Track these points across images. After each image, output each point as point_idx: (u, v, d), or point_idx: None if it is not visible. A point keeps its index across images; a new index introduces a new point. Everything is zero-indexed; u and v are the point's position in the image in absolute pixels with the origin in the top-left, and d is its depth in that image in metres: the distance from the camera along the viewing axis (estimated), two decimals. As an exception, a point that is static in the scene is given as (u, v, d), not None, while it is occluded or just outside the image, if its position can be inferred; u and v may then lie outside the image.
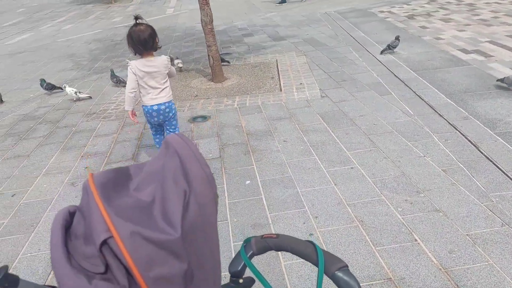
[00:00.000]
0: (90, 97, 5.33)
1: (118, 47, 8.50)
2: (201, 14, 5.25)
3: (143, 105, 3.06)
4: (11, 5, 18.08)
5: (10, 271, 2.37)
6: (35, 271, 2.36)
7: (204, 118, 4.37)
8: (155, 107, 3.00)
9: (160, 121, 3.11)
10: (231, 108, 4.54)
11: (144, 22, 2.80)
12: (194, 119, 4.35)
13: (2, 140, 4.26)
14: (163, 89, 3.00)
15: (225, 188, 3.02)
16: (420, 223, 2.44)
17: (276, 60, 6.17)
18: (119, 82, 5.67)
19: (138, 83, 2.91)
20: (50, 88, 5.60)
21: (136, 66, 2.87)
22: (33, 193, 3.21)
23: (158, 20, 11.40)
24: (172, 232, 0.51)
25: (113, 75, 5.78)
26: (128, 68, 2.93)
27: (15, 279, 0.66)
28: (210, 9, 5.24)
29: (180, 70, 6.06)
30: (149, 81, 2.91)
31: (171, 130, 3.18)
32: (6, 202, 3.10)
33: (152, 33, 2.79)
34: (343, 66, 5.53)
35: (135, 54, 2.88)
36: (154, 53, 2.90)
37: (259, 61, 6.28)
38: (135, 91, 2.96)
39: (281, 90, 4.92)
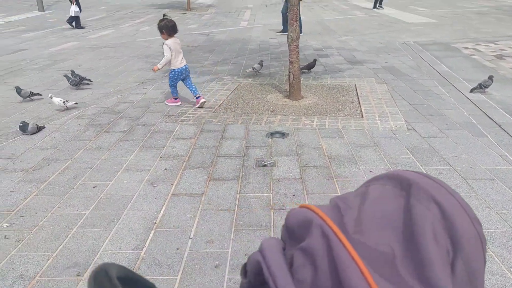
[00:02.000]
0: (77, 103, 5.09)
1: (193, 52, 8.67)
2: (288, 30, 5.19)
3: (175, 69, 5.05)
4: (95, 2, 19.19)
5: (91, 267, 2.33)
6: (116, 270, 2.30)
7: (282, 134, 4.25)
8: (183, 67, 5.10)
9: (183, 77, 5.14)
10: (310, 128, 4.40)
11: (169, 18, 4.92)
12: (272, 135, 4.25)
13: (84, 130, 4.36)
14: (183, 57, 5.09)
15: (309, 212, 2.86)
16: None
17: (355, 85, 5.98)
18: (78, 83, 5.83)
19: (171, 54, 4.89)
20: (76, 83, 5.81)
21: (171, 43, 4.92)
22: (113, 187, 3.21)
23: (232, 31, 11.59)
24: None
25: (74, 75, 5.87)
26: (165, 45, 4.90)
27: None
28: (298, 26, 5.17)
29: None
30: (177, 53, 4.98)
31: (189, 82, 5.22)
32: (88, 193, 3.12)
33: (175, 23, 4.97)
34: (429, 99, 5.24)
35: (168, 37, 4.92)
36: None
37: (336, 84, 6.12)
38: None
39: (362, 116, 4.72)
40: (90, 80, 6.08)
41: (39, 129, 4.29)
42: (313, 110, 4.98)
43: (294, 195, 3.07)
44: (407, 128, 4.34)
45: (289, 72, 5.31)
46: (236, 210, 2.89)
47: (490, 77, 5.41)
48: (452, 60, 7.41)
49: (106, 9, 16.91)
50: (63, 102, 4.90)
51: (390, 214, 0.42)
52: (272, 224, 2.72)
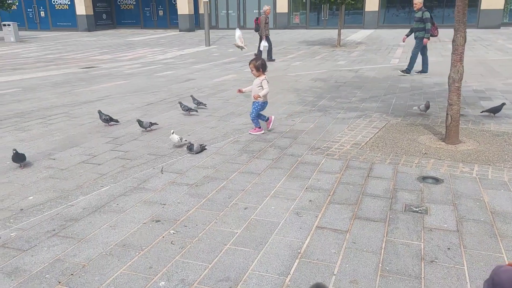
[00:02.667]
0: (186, 140, 5.09)
1: (341, 88, 8.78)
2: (451, 70, 4.90)
3: (265, 101, 5.60)
4: (252, 40, 21.01)
5: (241, 284, 2.51)
6: (263, 291, 2.43)
7: (436, 180, 3.97)
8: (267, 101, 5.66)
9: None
10: (468, 177, 4.02)
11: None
12: (424, 179, 4.01)
13: (239, 155, 4.76)
14: None
15: (466, 271, 2.59)
16: None
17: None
18: (190, 110, 6.69)
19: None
20: (188, 109, 6.65)
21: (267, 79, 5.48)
22: (262, 211, 3.41)
23: (381, 68, 11.41)
24: None
25: (182, 104, 6.70)
26: (265, 81, 5.42)
27: None
28: (462, 66, 4.85)
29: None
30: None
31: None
32: (240, 213, 3.37)
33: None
34: None
35: (262, 74, 5.44)
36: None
37: (501, 130, 5.50)
38: None
39: (535, 170, 4.13)
40: (205, 105, 7.07)
41: (202, 149, 4.84)
42: (472, 157, 4.55)
43: (449, 248, 2.83)
44: None
45: (447, 114, 4.98)
46: (382, 254, 2.79)
47: None
48: None
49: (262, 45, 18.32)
50: (180, 139, 4.98)
51: None
52: (422, 276, 2.55)
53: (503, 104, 6.15)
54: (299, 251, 2.83)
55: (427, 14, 9.87)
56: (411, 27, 10.53)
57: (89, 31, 29.72)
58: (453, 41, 4.84)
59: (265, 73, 5.49)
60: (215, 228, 3.13)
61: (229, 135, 5.54)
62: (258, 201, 3.59)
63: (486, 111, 6.17)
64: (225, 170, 4.29)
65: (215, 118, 6.46)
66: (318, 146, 5.05)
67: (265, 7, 13.33)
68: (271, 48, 13.32)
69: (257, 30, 13.43)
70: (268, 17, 13.25)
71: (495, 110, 6.10)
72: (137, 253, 2.80)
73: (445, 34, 16.34)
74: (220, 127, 5.95)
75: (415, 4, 10.04)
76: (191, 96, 7.19)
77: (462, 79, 4.91)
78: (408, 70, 10.25)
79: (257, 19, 13.65)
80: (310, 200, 3.61)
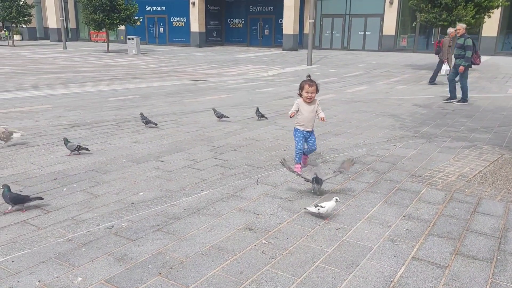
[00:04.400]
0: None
1: (448, 116, 8.24)
2: None
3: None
4: (355, 60, 20.76)
5: (328, 301, 2.48)
6: (350, 314, 2.38)
7: (557, 225, 3.53)
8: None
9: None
10: None
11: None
12: (541, 222, 3.58)
13: (334, 175, 4.72)
14: None
15: None
16: None
17: None
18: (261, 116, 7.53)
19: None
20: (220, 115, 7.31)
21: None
22: (354, 233, 3.34)
23: (497, 98, 10.48)
24: None
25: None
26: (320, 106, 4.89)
27: None
28: None
29: None
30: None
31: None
32: (331, 233, 3.34)
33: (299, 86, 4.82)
34: None
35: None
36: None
37: None
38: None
39: None
40: (266, 118, 7.65)
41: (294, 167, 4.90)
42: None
43: None
44: None
45: None
46: (486, 296, 2.55)
47: None
48: None
49: (364, 67, 18.02)
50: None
51: None
52: (534, 328, 2.28)
53: None
54: (391, 279, 2.72)
55: (469, 42, 9.34)
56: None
57: (200, 46, 32.01)
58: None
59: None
60: (305, 244, 3.15)
61: (324, 154, 5.53)
62: (352, 223, 3.52)
63: None
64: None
65: (312, 136, 6.49)
66: (420, 174, 4.80)
67: (450, 30, 13.16)
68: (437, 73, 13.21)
69: (437, 53, 13.42)
70: (451, 40, 13.02)
71: None
72: (230, 257, 2.93)
73: None
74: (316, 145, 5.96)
75: (458, 30, 9.61)
76: (257, 107, 7.81)
77: None
78: (464, 99, 9.81)
79: (439, 41, 13.59)
80: (407, 229, 3.44)
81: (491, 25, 23.74)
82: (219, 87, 12.15)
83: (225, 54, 25.46)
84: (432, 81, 13.02)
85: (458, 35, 9.73)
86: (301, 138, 4.80)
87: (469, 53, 9.42)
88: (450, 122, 7.69)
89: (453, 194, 4.18)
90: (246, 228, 3.38)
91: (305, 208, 3.70)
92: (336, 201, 3.58)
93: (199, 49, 30.07)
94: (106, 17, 24.81)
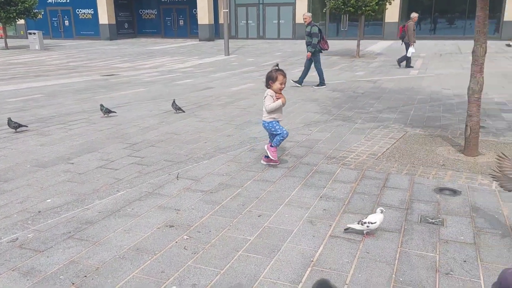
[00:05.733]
0: None
1: (359, 99, 8.73)
2: (470, 81, 4.83)
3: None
4: (271, 49, 21.15)
5: (252, 289, 2.49)
6: (273, 298, 2.42)
7: (454, 192, 3.90)
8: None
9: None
10: (487, 190, 3.94)
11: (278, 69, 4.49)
12: (441, 191, 3.94)
13: (254, 163, 4.77)
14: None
15: (482, 285, 2.53)
16: None
17: (549, 146, 5.15)
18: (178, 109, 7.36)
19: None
20: (107, 112, 7.13)
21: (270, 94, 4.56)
22: (275, 219, 3.40)
23: (401, 79, 11.32)
24: None
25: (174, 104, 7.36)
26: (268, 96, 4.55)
27: None
28: (482, 77, 4.78)
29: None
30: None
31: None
32: (253, 220, 3.37)
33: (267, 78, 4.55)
34: None
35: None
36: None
37: (524, 143, 5.36)
38: None
39: (558, 184, 4.01)
40: (183, 111, 7.47)
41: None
42: (492, 170, 4.45)
43: (465, 261, 2.77)
44: None
45: (466, 126, 4.90)
46: (396, 264, 2.74)
47: None
48: None
49: (280, 55, 18.43)
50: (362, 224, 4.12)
51: None
52: (437, 288, 2.50)
53: None
54: (311, 259, 2.81)
55: (315, 29, 10.07)
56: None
57: (111, 39, 30.41)
58: (473, 52, 4.78)
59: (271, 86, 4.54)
60: (228, 235, 3.14)
61: (245, 143, 5.56)
62: (272, 209, 3.58)
63: None
64: (240, 178, 4.30)
65: (232, 126, 6.50)
66: (334, 155, 5.02)
67: (413, 14, 13.67)
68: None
69: (402, 37, 13.86)
70: (415, 25, 13.61)
71: None
72: (150, 257, 2.82)
73: (467, 45, 16.11)
74: (236, 135, 5.98)
75: (305, 19, 10.29)
76: (173, 100, 7.61)
77: (482, 90, 4.83)
78: (322, 83, 10.36)
79: (403, 26, 14.05)
80: (324, 209, 3.58)
81: (392, 12, 25.55)
82: (134, 81, 11.65)
83: (138, 47, 24.48)
84: (408, 64, 13.75)
85: (306, 23, 10.30)
86: (281, 126, 4.65)
87: (315, 40, 10.06)
88: (361, 104, 8.15)
89: (364, 172, 4.44)
90: (167, 226, 3.28)
91: (347, 228, 3.16)
92: (382, 211, 3.14)
93: (110, 42, 28.57)
94: (1, 10, 22.49)
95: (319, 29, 10.21)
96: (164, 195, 3.87)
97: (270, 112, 4.57)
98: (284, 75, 4.49)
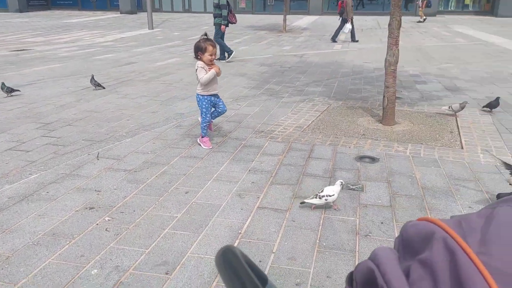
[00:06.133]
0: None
1: (285, 73, 8.84)
2: (387, 54, 5.07)
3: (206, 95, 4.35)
4: (197, 23, 20.59)
5: (179, 267, 2.45)
6: (201, 273, 2.40)
7: (373, 159, 4.12)
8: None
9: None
10: (402, 155, 4.21)
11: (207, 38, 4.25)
12: (361, 159, 4.14)
13: (181, 139, 4.65)
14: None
15: (397, 243, 2.71)
16: None
17: (455, 114, 5.61)
18: (98, 85, 6.93)
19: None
20: (10, 91, 6.50)
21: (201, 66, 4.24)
22: (203, 194, 3.36)
23: (326, 54, 11.62)
24: None
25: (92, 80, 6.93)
26: (199, 67, 4.21)
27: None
28: (398, 50, 5.02)
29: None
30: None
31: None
32: (181, 197, 3.30)
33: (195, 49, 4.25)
34: (542, 135, 4.72)
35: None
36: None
37: (434, 112, 5.80)
38: None
39: (462, 148, 4.40)
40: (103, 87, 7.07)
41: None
42: (407, 137, 4.76)
43: (382, 222, 2.94)
44: (515, 164, 3.94)
45: (384, 97, 5.16)
46: (320, 230, 2.85)
47: None
48: None
49: (207, 29, 18.01)
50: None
51: None
52: (357, 249, 2.63)
53: (498, 98, 5.67)
54: (239, 231, 2.82)
55: (223, 1, 9.95)
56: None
57: (21, 11, 27.66)
58: (389, 25, 5.00)
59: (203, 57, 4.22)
60: (153, 213, 3.04)
61: (171, 120, 5.40)
62: (200, 185, 3.53)
63: (485, 106, 5.73)
64: (166, 155, 4.17)
65: (156, 102, 6.26)
66: (262, 129, 5.05)
67: None
68: (354, 30, 13.82)
69: (341, 13, 13.71)
70: (353, 1, 13.44)
71: (491, 106, 5.64)
72: (67, 242, 2.65)
73: (386, 21, 16.92)
74: (161, 112, 5.77)
75: None
76: (92, 75, 7.09)
77: (397, 62, 5.09)
78: (223, 57, 10.24)
79: (342, 1, 13.85)
80: (253, 182, 3.60)
81: (317, -12, 26.03)
82: (48, 56, 10.74)
83: (53, 20, 22.55)
84: (334, 38, 13.89)
85: None
86: (209, 107, 4.35)
87: (225, 12, 9.88)
88: (288, 78, 8.26)
89: (291, 145, 4.52)
90: (86, 208, 3.09)
91: (303, 202, 3.12)
92: (342, 184, 3.13)
93: (20, 15, 25.99)
94: None
95: (228, 1, 9.93)
96: (83, 176, 3.64)
97: (205, 84, 4.26)
98: (214, 45, 4.22)
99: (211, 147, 4.36)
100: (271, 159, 4.12)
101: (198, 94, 4.35)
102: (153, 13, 18.40)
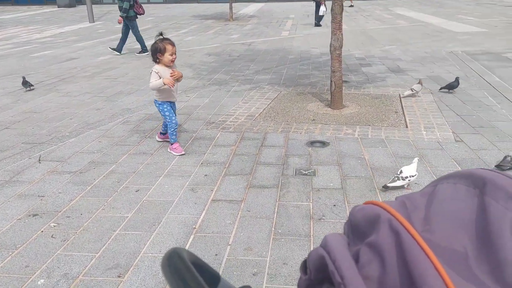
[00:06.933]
0: None
1: (235, 62, 8.77)
2: (331, 38, 5.14)
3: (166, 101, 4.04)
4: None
5: (132, 269, 2.37)
6: (155, 273, 2.33)
7: (323, 144, 4.19)
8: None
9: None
10: (351, 138, 4.31)
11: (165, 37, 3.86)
12: (312, 144, 4.20)
13: (129, 136, 4.49)
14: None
15: (350, 224, 2.78)
16: None
17: (399, 94, 5.82)
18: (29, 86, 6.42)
19: None
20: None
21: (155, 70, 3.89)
22: (155, 191, 3.27)
23: (273, 41, 11.65)
24: None
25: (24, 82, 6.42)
26: (153, 72, 3.85)
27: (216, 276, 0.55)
28: (342, 34, 5.11)
29: None
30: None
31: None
32: (131, 196, 3.19)
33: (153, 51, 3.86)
34: (479, 111, 5.01)
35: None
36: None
37: (379, 93, 5.98)
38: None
39: (407, 127, 4.57)
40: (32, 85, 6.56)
41: None
42: (355, 120, 4.88)
43: (334, 205, 3.00)
44: (455, 139, 4.16)
45: (331, 81, 5.24)
46: (275, 218, 2.86)
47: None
48: (504, 71, 7.05)
49: (152, 20, 17.50)
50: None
51: (461, 214, 0.39)
52: (311, 234, 2.67)
53: (457, 78, 5.72)
54: (194, 226, 2.77)
55: None
56: None
57: None
58: (332, 10, 5.06)
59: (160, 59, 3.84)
60: (102, 215, 2.92)
61: (117, 116, 5.20)
62: (151, 182, 3.43)
63: (443, 88, 5.78)
64: (113, 153, 4.02)
65: (101, 99, 6.01)
66: (214, 120, 4.99)
67: None
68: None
69: None
70: None
71: (451, 87, 5.70)
72: (10, 253, 2.49)
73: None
74: (107, 108, 5.55)
75: None
76: (23, 77, 6.54)
77: (342, 46, 5.18)
78: (145, 50, 9.64)
79: None
80: (206, 175, 3.55)
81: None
82: (-20, 55, 9.99)
83: (-16, 16, 21.00)
84: (318, 22, 14.00)
85: None
86: (171, 110, 4.00)
87: (126, 4, 9.37)
88: (237, 67, 8.20)
89: (243, 134, 4.50)
90: (29, 215, 2.92)
91: (386, 186, 3.12)
92: (418, 160, 3.23)
93: None
94: None
95: None
96: (25, 182, 3.43)
97: (157, 90, 3.90)
98: (173, 44, 3.86)
99: (183, 152, 3.99)
100: (223, 150, 4.08)
101: (155, 100, 4.01)
102: (93, 6, 17.60)
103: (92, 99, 6.00)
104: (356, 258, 0.38)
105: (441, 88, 5.89)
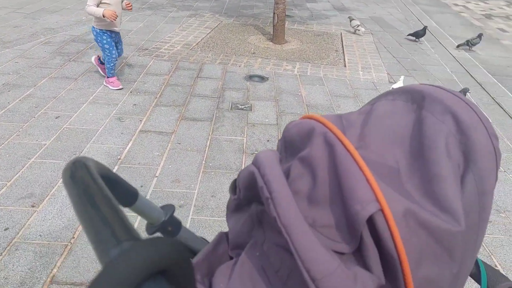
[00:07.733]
0: None
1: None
2: (277, -33, 4.85)
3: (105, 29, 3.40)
4: None
5: (47, 198, 2.21)
6: (75, 204, 2.19)
7: (262, 78, 4.08)
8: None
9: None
10: (290, 74, 4.24)
11: None
12: (250, 78, 4.08)
13: (50, 58, 4.07)
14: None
15: (281, 158, 2.78)
16: (500, 246, 2.16)
17: (341, 34, 5.77)
18: None
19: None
20: None
21: None
22: (77, 119, 3.02)
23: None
24: (453, 222, 0.34)
25: None
26: None
27: (178, 224, 0.56)
28: (287, -37, 4.83)
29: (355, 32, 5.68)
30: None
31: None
32: (50, 123, 2.93)
33: None
34: (413, 54, 5.12)
35: None
36: None
37: (322, 31, 5.89)
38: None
39: (345, 66, 4.58)
40: None
41: None
42: (295, 56, 4.79)
43: (268, 140, 2.97)
44: (389, 80, 4.24)
45: (274, 14, 5.04)
46: (206, 151, 2.78)
47: (480, 35, 5.31)
48: (441, 16, 7.22)
49: None
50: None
51: (398, 129, 0.39)
52: (243, 167, 2.63)
53: (425, 28, 5.59)
54: (118, 157, 2.62)
55: None
56: None
57: None
58: None
59: None
60: (16, 142, 2.66)
61: (38, 35, 4.67)
62: (73, 109, 3.16)
63: (410, 34, 5.66)
64: (32, 76, 3.63)
65: (20, 15, 5.34)
66: (147, 47, 4.65)
67: None
68: None
69: None
70: None
71: (417, 35, 5.56)
72: None
73: None
74: (26, 26, 4.95)
75: None
76: None
77: (287, -24, 4.93)
78: None
79: None
80: (135, 104, 3.34)
81: None
82: None
83: None
84: None
85: None
86: (111, 42, 3.42)
87: None
88: (176, -8, 7.62)
89: (178, 63, 4.25)
90: None
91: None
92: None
93: None
94: None
95: None
96: None
97: (94, 16, 3.27)
98: None
99: (121, 86, 3.55)
100: (156, 79, 3.84)
101: (93, 28, 3.38)
102: None
103: (9, 14, 5.31)
104: (288, 174, 0.37)
105: (408, 35, 5.73)
